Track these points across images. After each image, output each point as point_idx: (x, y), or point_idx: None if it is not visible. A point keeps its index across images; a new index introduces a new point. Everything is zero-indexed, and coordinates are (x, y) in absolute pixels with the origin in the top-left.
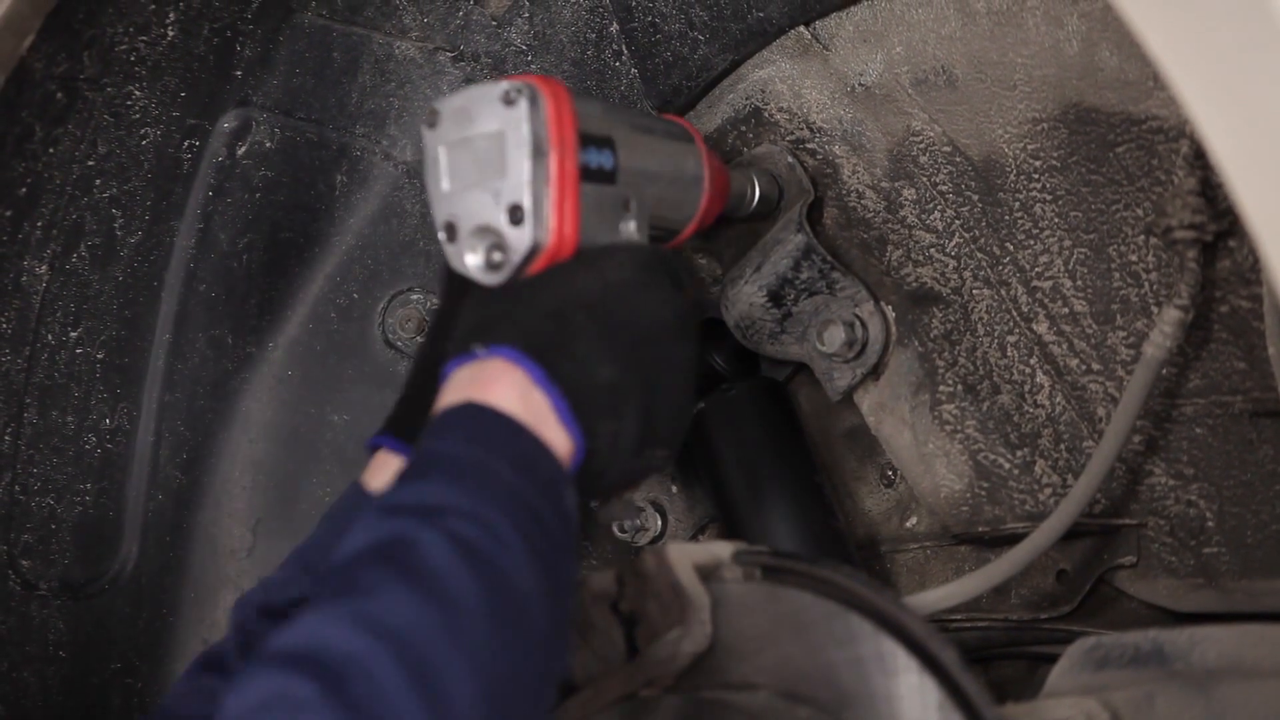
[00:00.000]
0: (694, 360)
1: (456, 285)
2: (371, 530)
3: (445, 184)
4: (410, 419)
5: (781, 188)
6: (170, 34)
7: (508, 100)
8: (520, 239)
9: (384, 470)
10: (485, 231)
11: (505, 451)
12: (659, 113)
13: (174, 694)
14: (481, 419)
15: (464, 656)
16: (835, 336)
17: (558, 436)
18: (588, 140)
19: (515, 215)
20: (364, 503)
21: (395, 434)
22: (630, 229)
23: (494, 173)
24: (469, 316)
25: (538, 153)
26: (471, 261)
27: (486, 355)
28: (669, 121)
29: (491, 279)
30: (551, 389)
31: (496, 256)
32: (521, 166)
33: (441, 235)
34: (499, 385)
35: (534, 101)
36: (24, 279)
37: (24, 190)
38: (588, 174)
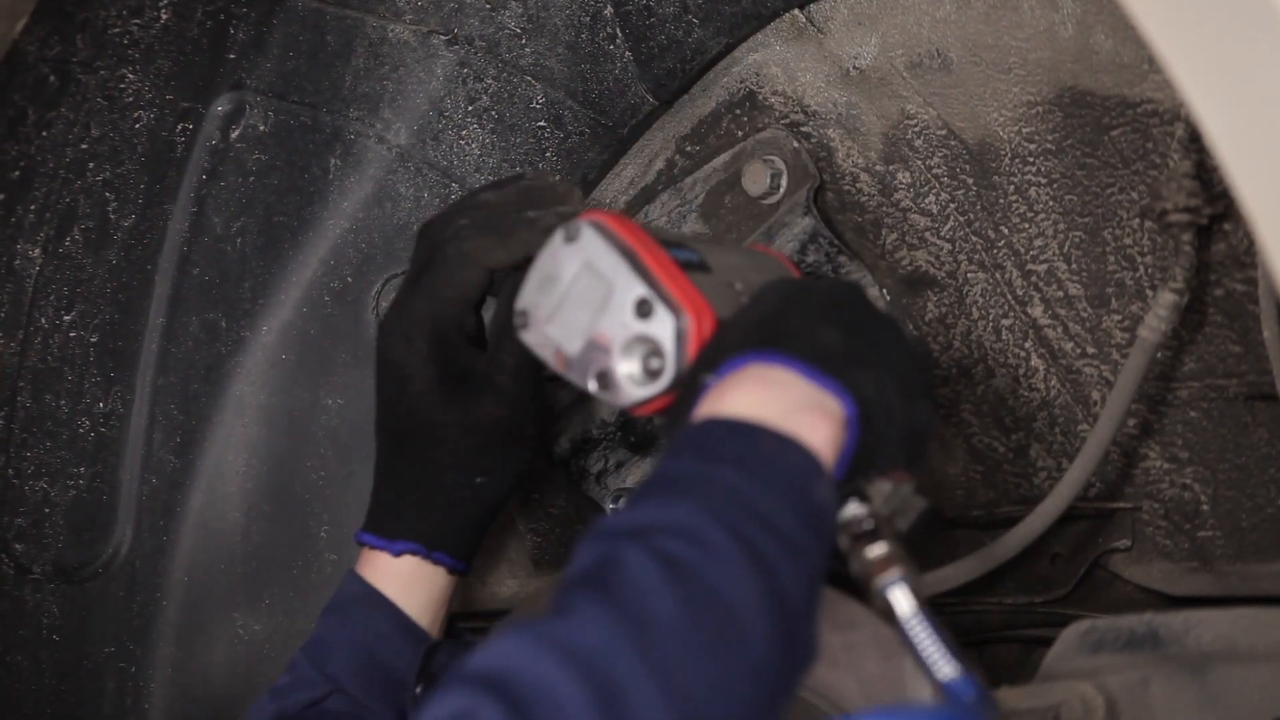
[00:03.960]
0: (896, 320)
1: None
2: (581, 557)
3: (572, 348)
4: (389, 515)
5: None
6: (163, 17)
7: (570, 238)
8: (662, 325)
9: (374, 563)
10: (628, 350)
11: (730, 456)
12: (650, 100)
13: None
14: (707, 430)
15: (656, 676)
16: None
17: (816, 416)
18: (664, 242)
19: (643, 309)
20: (367, 595)
21: (376, 533)
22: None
23: (602, 298)
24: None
25: (626, 253)
26: (634, 383)
27: (716, 378)
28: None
29: (658, 386)
30: (785, 358)
31: (654, 363)
32: (621, 271)
33: (593, 387)
34: (733, 392)
35: (595, 225)
36: (17, 263)
37: (17, 174)
38: (684, 265)
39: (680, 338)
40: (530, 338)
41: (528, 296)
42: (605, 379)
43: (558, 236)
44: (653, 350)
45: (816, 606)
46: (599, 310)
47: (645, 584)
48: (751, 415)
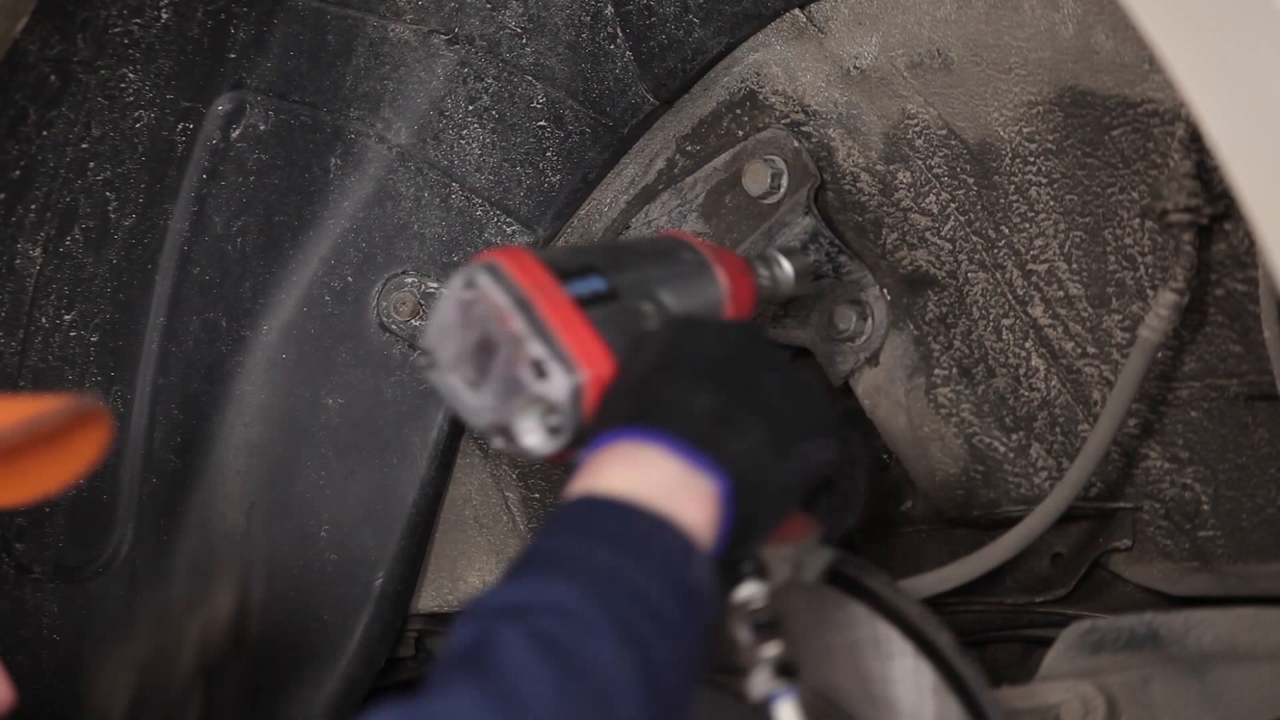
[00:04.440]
0: (785, 357)
1: None
2: (457, 635)
3: (471, 400)
4: None
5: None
6: (164, 16)
7: (469, 285)
8: (558, 385)
9: None
10: (525, 408)
11: (605, 535)
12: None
13: None
14: (582, 508)
15: None
16: (846, 316)
17: (688, 495)
18: (566, 275)
19: (540, 370)
20: None
21: None
22: (653, 318)
23: (500, 353)
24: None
25: (521, 305)
26: (534, 441)
27: (587, 454)
28: (650, 236)
29: (556, 443)
30: (655, 435)
31: (552, 420)
32: (515, 326)
33: (499, 442)
34: (604, 469)
35: (491, 270)
36: (17, 262)
37: (17, 173)
38: (585, 301)
39: (576, 396)
40: (434, 378)
41: (430, 339)
42: (507, 433)
43: (456, 281)
44: (549, 409)
45: (692, 688)
46: (497, 365)
47: (520, 664)
48: (625, 494)
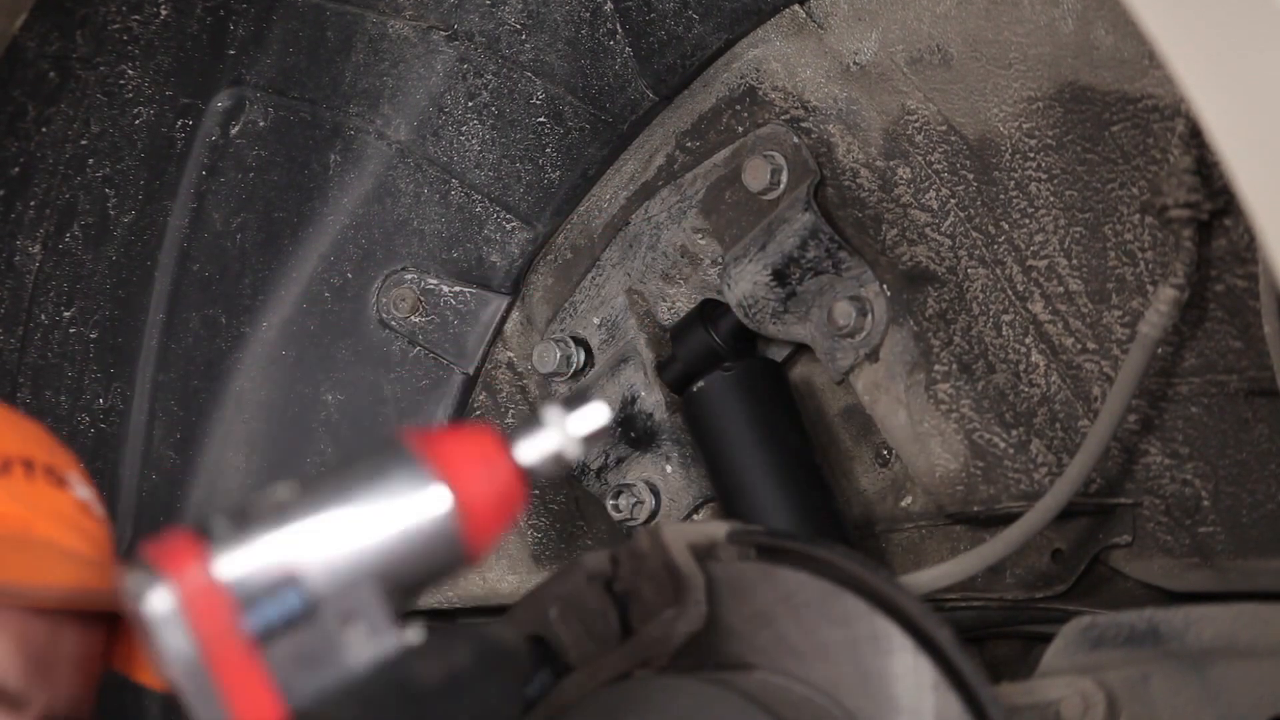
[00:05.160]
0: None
1: None
2: None
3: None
4: None
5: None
6: (163, 12)
7: (134, 599)
8: None
9: None
10: None
11: None
12: (650, 95)
13: None
14: None
15: None
16: (846, 312)
17: None
18: (254, 595)
19: None
20: None
21: None
22: (361, 643)
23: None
24: None
25: (190, 667)
26: None
27: None
28: (386, 451)
29: None
30: None
31: None
32: (180, 685)
33: None
34: None
35: (155, 591)
36: (17, 258)
37: (16, 170)
38: (272, 633)
39: None
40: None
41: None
42: None
43: (123, 590)
44: None
45: None
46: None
47: None
48: None
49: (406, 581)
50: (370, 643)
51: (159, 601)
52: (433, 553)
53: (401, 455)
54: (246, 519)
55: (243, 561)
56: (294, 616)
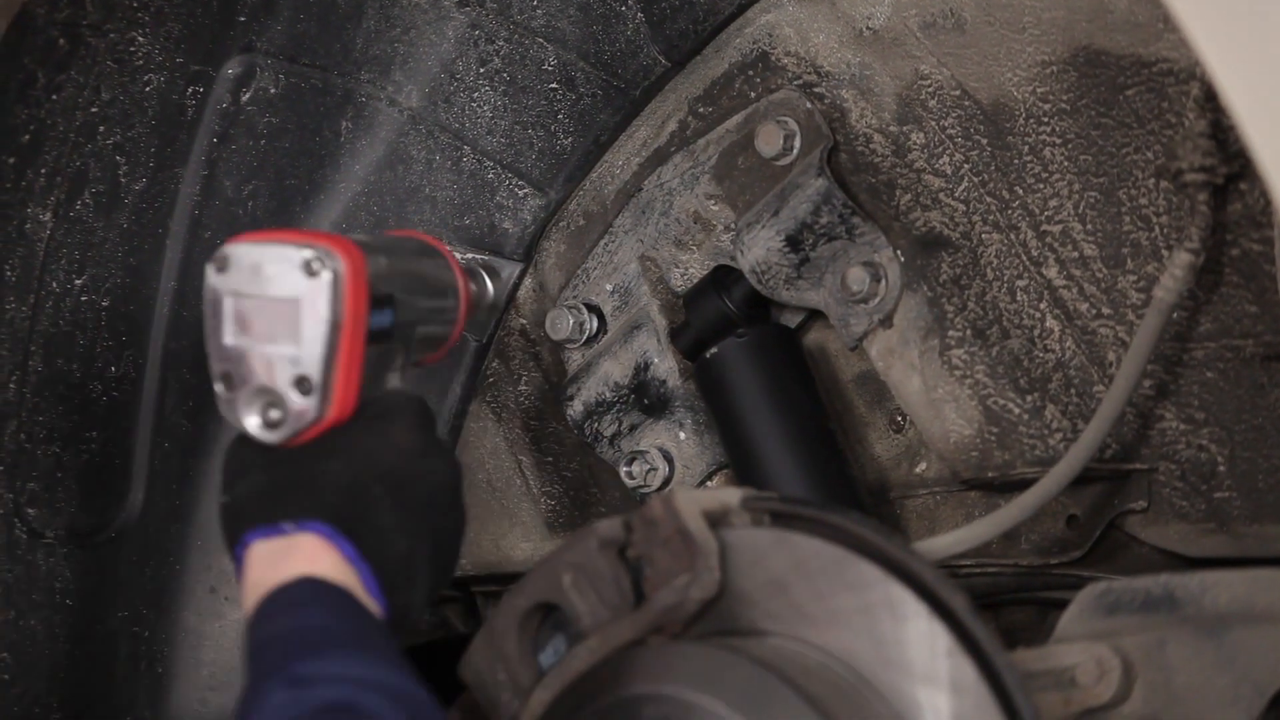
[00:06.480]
0: (464, 524)
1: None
2: (290, 708)
3: (228, 336)
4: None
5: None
6: None
7: (310, 271)
8: (304, 409)
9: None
10: (266, 392)
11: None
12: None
13: None
14: (324, 591)
15: None
16: (859, 278)
17: (370, 608)
18: (374, 304)
19: (303, 386)
20: None
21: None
22: (395, 379)
23: (286, 339)
24: (258, 477)
25: (334, 329)
26: (250, 420)
27: (295, 531)
28: (420, 242)
29: (267, 437)
30: (363, 565)
31: (274, 415)
32: (316, 342)
33: (218, 386)
34: (320, 562)
35: (336, 275)
36: (28, 226)
37: (27, 137)
38: (371, 338)
39: (311, 425)
40: (213, 282)
41: (242, 260)
42: (229, 384)
43: (303, 256)
44: (279, 407)
45: None
46: (270, 340)
47: None
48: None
49: (428, 331)
50: (393, 382)
51: (330, 263)
52: (445, 309)
53: (446, 266)
54: (374, 250)
55: (375, 276)
56: (383, 331)
